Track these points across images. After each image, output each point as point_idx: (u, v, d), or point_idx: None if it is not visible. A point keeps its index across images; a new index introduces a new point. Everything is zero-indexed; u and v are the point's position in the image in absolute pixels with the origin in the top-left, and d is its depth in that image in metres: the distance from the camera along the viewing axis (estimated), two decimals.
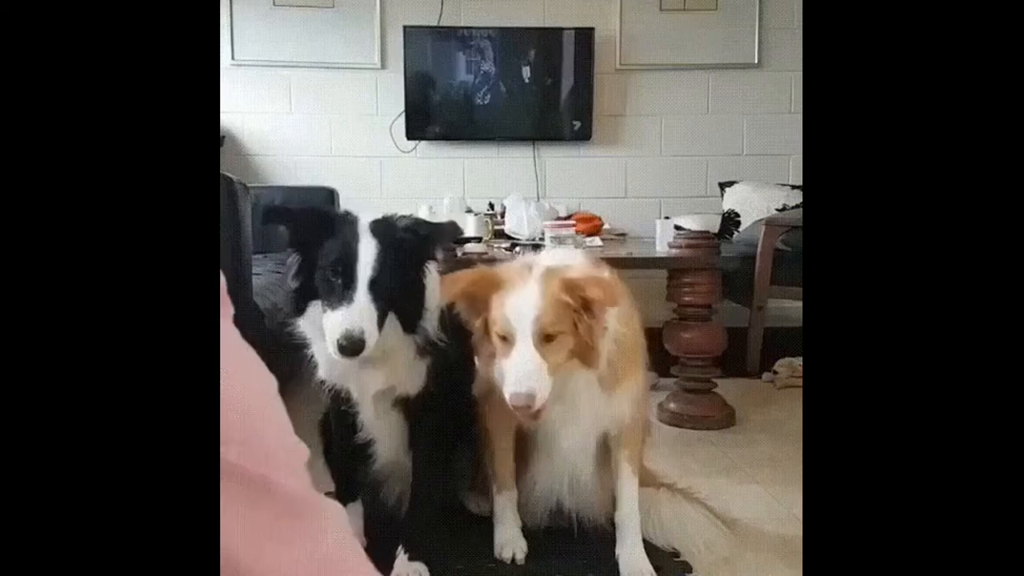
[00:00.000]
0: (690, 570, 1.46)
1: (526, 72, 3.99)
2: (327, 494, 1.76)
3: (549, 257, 1.44)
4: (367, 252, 1.28)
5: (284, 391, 0.84)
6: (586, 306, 1.25)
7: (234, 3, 3.92)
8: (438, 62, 3.94)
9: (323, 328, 1.30)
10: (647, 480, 1.67)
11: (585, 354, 1.28)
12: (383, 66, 4.01)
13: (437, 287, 1.38)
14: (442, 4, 3.99)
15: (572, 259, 1.42)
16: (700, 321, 2.46)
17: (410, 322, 1.36)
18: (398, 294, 1.32)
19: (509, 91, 3.97)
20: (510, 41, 3.97)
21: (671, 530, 1.53)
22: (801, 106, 4.06)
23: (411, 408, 1.45)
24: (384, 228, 1.33)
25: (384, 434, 1.51)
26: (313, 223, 1.35)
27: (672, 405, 2.51)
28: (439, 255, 1.41)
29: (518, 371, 1.21)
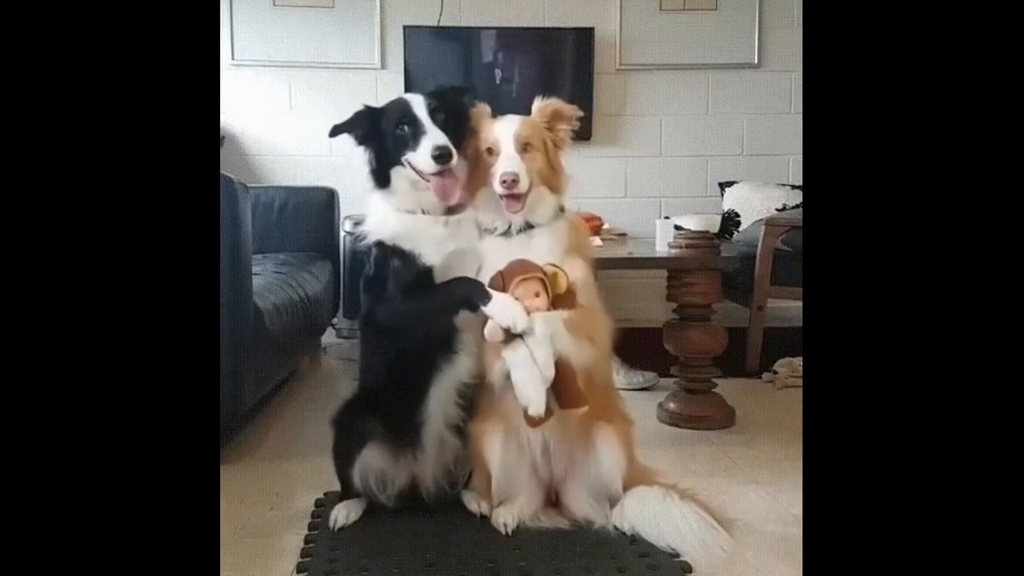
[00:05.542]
0: (690, 570, 1.46)
1: (526, 72, 3.99)
2: (326, 494, 1.77)
3: None
4: (416, 102, 1.58)
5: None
6: (551, 126, 1.66)
7: (234, 3, 3.93)
8: (438, 62, 3.94)
9: (413, 171, 1.56)
10: (645, 479, 1.67)
11: (551, 178, 1.64)
12: (383, 66, 4.01)
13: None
14: (442, 4, 3.99)
15: None
16: (700, 321, 2.46)
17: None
18: (452, 135, 1.58)
19: (508, 91, 3.97)
20: (510, 41, 3.97)
21: (668, 530, 1.53)
22: (801, 106, 4.06)
23: None
24: (419, 93, 1.63)
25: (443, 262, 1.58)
26: (369, 117, 1.63)
27: (672, 405, 2.50)
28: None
29: (504, 161, 1.56)
